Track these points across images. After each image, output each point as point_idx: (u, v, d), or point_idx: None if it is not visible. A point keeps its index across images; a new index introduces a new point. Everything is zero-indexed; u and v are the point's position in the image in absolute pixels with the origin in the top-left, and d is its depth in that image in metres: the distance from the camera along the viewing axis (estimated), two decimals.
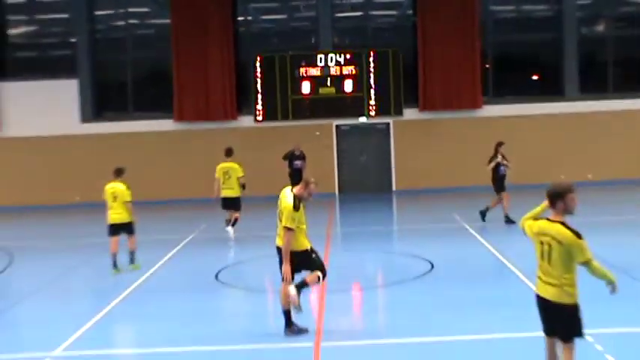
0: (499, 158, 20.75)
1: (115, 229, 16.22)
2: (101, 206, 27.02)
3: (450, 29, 27.58)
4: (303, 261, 10.52)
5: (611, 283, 7.69)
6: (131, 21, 29.68)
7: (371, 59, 27.76)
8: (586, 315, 10.78)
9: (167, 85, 28.41)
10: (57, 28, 30.17)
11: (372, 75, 27.77)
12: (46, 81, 28.51)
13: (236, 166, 20.11)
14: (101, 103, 29.30)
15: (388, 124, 28.35)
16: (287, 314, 10.66)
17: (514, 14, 30.26)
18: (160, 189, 27.99)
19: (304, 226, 10.56)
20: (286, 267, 10.34)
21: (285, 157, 22.03)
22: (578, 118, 28.00)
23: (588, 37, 29.31)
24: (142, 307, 13.09)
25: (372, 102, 27.86)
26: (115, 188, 16.53)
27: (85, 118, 28.57)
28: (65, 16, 29.51)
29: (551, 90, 28.86)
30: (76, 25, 28.82)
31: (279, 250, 10.54)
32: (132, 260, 16.27)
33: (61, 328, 11.51)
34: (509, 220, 19.59)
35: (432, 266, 14.82)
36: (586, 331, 10.11)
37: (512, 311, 11.44)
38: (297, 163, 22.11)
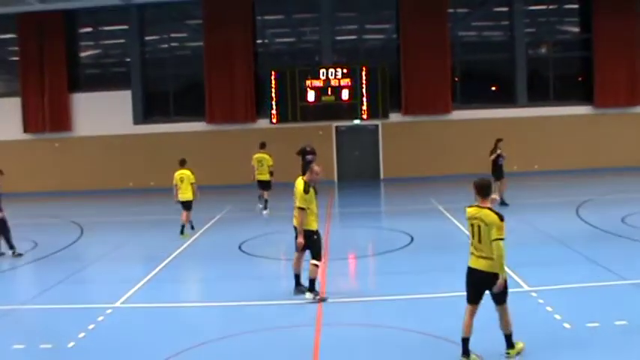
0: (499, 151, 20.14)
1: (184, 205, 16.96)
2: (150, 190, 27.31)
3: (426, 49, 27.50)
4: (308, 241, 10.32)
5: (496, 279, 7.35)
6: (173, 44, 29.64)
7: (363, 73, 27.71)
8: (530, 276, 10.98)
9: (200, 94, 28.39)
10: (115, 51, 30.15)
11: (364, 86, 27.73)
12: (107, 92, 28.51)
13: (267, 156, 20.44)
14: (149, 109, 29.30)
15: (377, 125, 28.33)
16: (297, 277, 10.70)
17: (477, 38, 30.15)
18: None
19: (315, 209, 10.39)
20: (300, 239, 10.27)
21: (298, 153, 21.78)
22: (527, 121, 27.97)
23: (534, 58, 29.23)
24: (180, 270, 13.21)
25: (364, 107, 27.82)
26: (183, 173, 17.20)
27: (137, 121, 28.60)
28: (122, 41, 29.46)
29: (506, 99, 28.80)
30: (130, 48, 28.82)
31: (295, 228, 10.43)
32: (182, 231, 16.87)
33: (119, 286, 11.65)
34: (503, 203, 19.03)
35: (412, 239, 14.91)
36: (531, 288, 10.32)
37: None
38: (309, 157, 21.96)
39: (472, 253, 7.55)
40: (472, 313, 7.55)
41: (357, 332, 8.94)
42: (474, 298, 7.57)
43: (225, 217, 20.06)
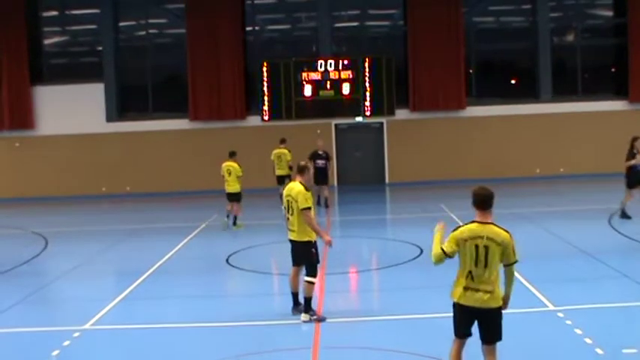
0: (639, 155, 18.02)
1: (230, 196, 18.91)
2: (125, 196, 27.24)
3: (437, 38, 27.52)
4: (305, 253, 10.24)
5: (507, 298, 7.00)
6: (151, 31, 29.59)
7: (366, 65, 27.70)
8: (556, 294, 10.92)
9: (183, 88, 28.36)
10: (85, 38, 30.12)
11: (367, 79, 27.71)
12: (76, 85, 28.46)
13: (286, 151, 22.47)
14: (124, 104, 29.24)
15: (382, 123, 28.31)
16: (295, 296, 10.59)
17: (494, 25, 30.22)
18: (175, 182, 27.99)
19: (313, 215, 10.35)
20: (327, 237, 10.28)
21: (310, 157, 21.44)
22: (551, 118, 27.96)
23: (560, 46, 29.25)
24: (159, 287, 13.12)
25: (367, 103, 27.81)
26: (230, 166, 19.04)
27: (110, 118, 28.53)
28: (93, 27, 29.45)
29: (527, 93, 28.81)
30: (102, 35, 28.77)
31: (292, 242, 10.39)
32: (235, 223, 18.95)
33: (89, 305, 11.56)
34: (624, 215, 17.82)
35: (421, 251, 14.84)
36: (558, 308, 10.25)
37: None
38: (320, 162, 21.52)
39: (467, 287, 6.96)
40: (461, 348, 7.21)
41: (358, 356, 8.86)
42: (466, 332, 7.15)
43: (211, 225, 19.97)
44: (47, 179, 28.32)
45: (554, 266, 13.24)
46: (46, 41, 29.73)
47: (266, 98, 27.86)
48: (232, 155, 19.33)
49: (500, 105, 28.28)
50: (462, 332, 7.10)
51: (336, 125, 28.34)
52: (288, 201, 10.34)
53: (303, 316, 10.18)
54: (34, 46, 28.88)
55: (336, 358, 8.78)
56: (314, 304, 10.41)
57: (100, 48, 28.94)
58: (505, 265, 6.93)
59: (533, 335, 9.28)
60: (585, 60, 28.80)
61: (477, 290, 6.89)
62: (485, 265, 6.87)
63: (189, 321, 10.67)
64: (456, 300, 7.04)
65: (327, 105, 27.78)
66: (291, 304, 10.56)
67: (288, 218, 10.42)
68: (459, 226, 7.12)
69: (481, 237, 6.90)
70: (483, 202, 7.14)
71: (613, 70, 29.60)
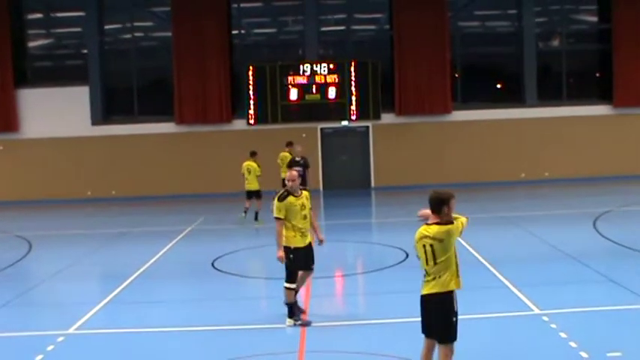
0: None
1: (249, 194, 20.19)
2: (111, 200, 27.16)
3: (422, 42, 27.57)
4: (286, 258, 10.15)
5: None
6: (136, 34, 29.52)
7: (352, 69, 27.72)
8: (541, 298, 10.95)
9: (169, 91, 28.31)
10: (70, 41, 29.98)
11: (353, 83, 27.72)
12: (61, 88, 28.30)
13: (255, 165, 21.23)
14: (109, 107, 29.14)
15: (368, 127, 28.33)
16: (289, 307, 10.33)
17: (480, 29, 30.30)
18: (161, 185, 27.91)
19: (299, 224, 10.18)
20: (279, 253, 10.10)
21: (288, 165, 21.15)
22: (536, 122, 28.05)
23: (545, 51, 29.40)
24: (145, 291, 13.08)
25: (353, 107, 27.81)
26: (250, 165, 20.25)
27: (95, 121, 28.41)
28: (78, 29, 29.34)
29: (513, 97, 28.92)
30: (87, 38, 28.66)
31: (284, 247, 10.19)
32: (256, 218, 19.83)
33: (73, 309, 11.50)
34: None
35: (407, 255, 14.83)
36: (542, 311, 10.28)
37: (478, 294, 11.52)
38: (296, 169, 21.14)
39: (426, 281, 7.17)
40: (432, 348, 7.24)
41: None
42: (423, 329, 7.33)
43: (197, 229, 19.94)
44: (31, 183, 28.15)
45: (539, 270, 13.28)
46: (31, 44, 29.58)
47: (252, 102, 27.83)
48: (253, 155, 20.58)
49: (486, 109, 28.36)
50: (423, 329, 7.30)
51: (321, 129, 28.34)
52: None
53: (288, 321, 10.18)
54: (18, 49, 28.72)
55: None
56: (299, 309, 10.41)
57: (85, 51, 28.84)
58: (461, 233, 7.31)
59: (518, 339, 9.31)
60: (570, 65, 28.93)
61: (432, 280, 7.16)
62: (435, 263, 7.08)
63: (174, 325, 10.63)
64: (421, 293, 7.28)
65: (313, 109, 27.77)
66: (279, 309, 10.55)
67: None
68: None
69: (426, 237, 7.10)
70: (431, 205, 7.24)
71: (597, 75, 29.76)
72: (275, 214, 10.13)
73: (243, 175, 20.36)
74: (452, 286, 7.07)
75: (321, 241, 10.81)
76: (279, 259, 10.16)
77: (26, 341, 10.11)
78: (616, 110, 28.22)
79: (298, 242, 10.20)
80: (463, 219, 7.23)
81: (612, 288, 11.79)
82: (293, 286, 10.19)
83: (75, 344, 9.91)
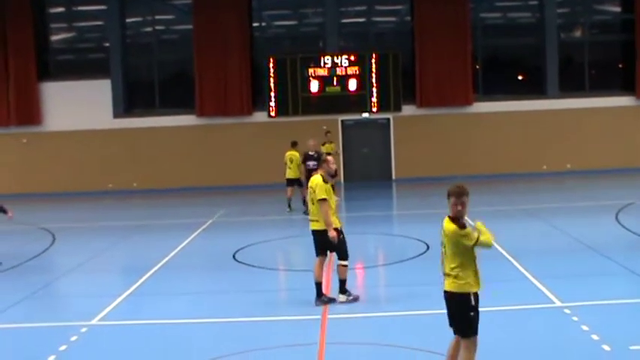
0: None
1: (290, 182, 20.72)
2: (132, 193, 27.30)
3: (444, 33, 27.49)
4: (326, 240, 10.64)
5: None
6: (158, 27, 29.64)
7: (373, 61, 27.68)
8: (563, 291, 10.90)
9: (190, 84, 28.40)
10: (92, 34, 30.16)
11: (373, 75, 27.69)
12: (83, 81, 28.50)
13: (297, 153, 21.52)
14: (131, 100, 29.30)
15: (388, 119, 28.30)
16: (319, 286, 10.80)
17: (501, 21, 30.17)
18: (182, 178, 28.04)
19: (333, 207, 10.80)
20: (332, 233, 10.54)
21: (302, 160, 20.95)
22: (558, 114, 27.89)
23: (567, 42, 29.21)
24: (166, 283, 13.15)
25: (374, 99, 27.80)
26: (292, 154, 20.91)
27: (117, 114, 28.58)
28: (100, 23, 29.51)
29: (535, 89, 28.77)
30: (109, 31, 28.82)
31: (315, 232, 10.80)
32: (304, 203, 19.58)
33: (96, 301, 11.58)
34: None
35: (428, 247, 14.82)
36: (564, 304, 10.23)
37: (500, 286, 11.50)
38: (310, 163, 20.47)
39: (445, 275, 7.21)
40: (459, 340, 7.18)
41: (365, 352, 8.87)
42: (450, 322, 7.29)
43: (217, 221, 20.00)
44: (54, 175, 28.37)
45: (561, 262, 13.23)
46: (53, 37, 29.79)
47: (272, 94, 27.87)
48: (294, 145, 21.21)
49: (507, 101, 28.24)
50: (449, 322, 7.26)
51: (342, 121, 28.33)
52: (310, 193, 10.98)
53: (340, 297, 10.76)
54: (40, 43, 28.94)
55: (343, 354, 8.79)
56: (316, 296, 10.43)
57: (107, 44, 28.98)
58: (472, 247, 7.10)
59: (539, 331, 9.27)
60: (593, 56, 28.74)
61: (446, 276, 7.18)
62: (446, 256, 7.15)
63: (195, 317, 10.69)
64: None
65: (333, 101, 27.77)
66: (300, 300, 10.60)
67: (311, 210, 10.99)
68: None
69: (443, 231, 7.15)
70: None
71: (620, 66, 29.52)
72: (322, 195, 10.58)
73: (286, 163, 20.90)
74: (467, 288, 7.01)
75: None
76: (333, 238, 10.54)
77: (50, 332, 10.21)
78: (639, 101, 27.98)
79: (339, 222, 10.86)
80: (486, 236, 7.14)
81: (635, 281, 11.73)
82: (347, 262, 10.82)
83: (98, 335, 9.99)
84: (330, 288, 11.33)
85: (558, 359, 8.07)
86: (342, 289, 10.82)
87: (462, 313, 7.02)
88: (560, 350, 8.41)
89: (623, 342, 8.55)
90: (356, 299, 10.82)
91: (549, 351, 8.42)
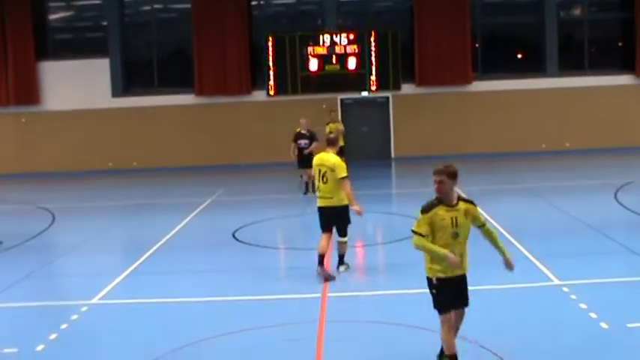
0: None
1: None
2: (131, 172, 27.31)
3: (443, 12, 27.37)
4: (344, 216, 11.16)
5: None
6: (156, 5, 29.45)
7: (372, 39, 27.59)
8: (561, 269, 10.95)
9: (188, 63, 28.31)
10: (90, 13, 30.01)
11: (373, 53, 27.61)
12: (81, 60, 28.38)
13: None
14: (129, 79, 29.21)
15: (387, 97, 28.24)
16: (321, 258, 11.06)
17: None
18: (181, 157, 28.02)
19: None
20: (357, 207, 11.08)
21: (293, 139, 20.48)
22: (558, 93, 27.84)
23: (566, 20, 29.10)
24: (166, 262, 13.17)
25: (373, 78, 27.73)
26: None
27: (116, 94, 28.51)
28: (98, 2, 29.30)
29: (534, 68, 28.67)
30: (107, 10, 28.67)
31: (321, 209, 11.21)
32: (313, 184, 20.76)
33: (97, 280, 11.62)
34: None
35: None
36: (562, 282, 10.28)
37: (499, 265, 11.52)
38: (302, 142, 20.07)
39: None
40: (455, 315, 7.37)
41: (364, 330, 8.92)
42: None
43: (217, 200, 20.02)
44: (53, 155, 28.35)
45: (559, 241, 13.27)
46: (51, 16, 29.62)
47: (271, 73, 27.79)
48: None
49: (507, 80, 28.15)
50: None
51: (341, 100, 28.28)
52: (319, 170, 11.17)
53: (341, 268, 11.38)
54: (38, 22, 28.78)
55: (342, 332, 8.82)
56: (319, 280, 10.48)
57: (105, 23, 28.86)
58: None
59: (539, 310, 9.33)
60: (592, 34, 28.63)
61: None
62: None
63: (196, 295, 10.74)
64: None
65: (332, 79, 27.70)
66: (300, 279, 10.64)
67: (318, 187, 11.30)
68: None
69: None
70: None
71: (620, 44, 29.40)
72: (345, 174, 10.99)
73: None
74: (429, 273, 7.30)
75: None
76: (358, 212, 11.07)
77: (51, 311, 10.26)
78: (639, 80, 27.92)
79: (347, 200, 11.20)
80: (422, 242, 7.25)
81: (633, 259, 11.77)
82: (346, 239, 11.39)
83: (98, 314, 10.03)
84: (329, 269, 11.37)
85: (556, 337, 8.11)
86: (342, 261, 11.47)
87: (429, 291, 7.27)
88: (559, 328, 8.46)
89: (620, 319, 8.60)
90: (334, 278, 11.03)
91: (547, 329, 8.47)
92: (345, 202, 11.07)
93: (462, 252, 7.22)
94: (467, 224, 7.22)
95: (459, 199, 7.27)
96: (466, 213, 7.18)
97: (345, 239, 11.30)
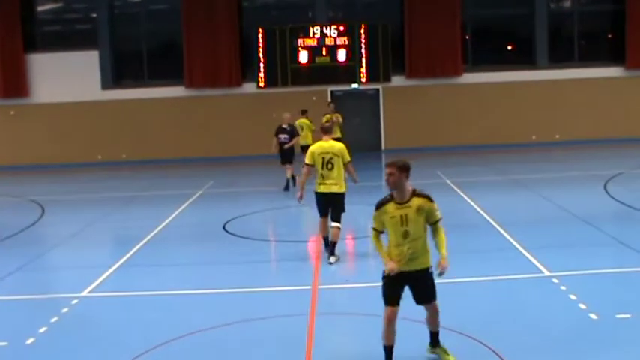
0: None
1: (303, 149, 19.59)
2: (121, 164, 27.25)
3: (433, 4, 27.39)
4: (343, 203, 11.73)
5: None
6: None
7: (362, 31, 27.58)
8: (551, 260, 10.98)
9: (178, 55, 28.24)
10: (79, 5, 29.89)
11: (363, 45, 27.61)
12: (70, 52, 28.29)
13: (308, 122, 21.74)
14: (119, 71, 29.13)
15: (378, 89, 28.26)
16: (326, 240, 11.83)
17: None
18: (171, 149, 27.99)
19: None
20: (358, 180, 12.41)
21: (274, 133, 20.11)
22: (548, 85, 27.91)
23: (557, 12, 29.18)
24: (156, 254, 13.16)
25: (363, 70, 27.74)
26: (302, 122, 21.07)
27: (105, 86, 28.43)
28: None
29: (524, 60, 28.72)
30: (96, 2, 28.54)
31: (323, 195, 11.66)
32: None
33: (87, 272, 11.59)
34: None
35: None
36: (552, 273, 10.32)
37: (489, 256, 11.59)
38: (282, 137, 19.72)
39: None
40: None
41: (354, 322, 8.95)
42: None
43: (207, 193, 20.00)
44: (43, 147, 28.26)
45: (549, 232, 13.30)
46: (40, 8, 29.48)
47: (262, 65, 27.77)
48: (304, 113, 21.67)
49: (497, 72, 28.21)
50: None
51: (332, 92, 28.27)
52: (323, 158, 11.54)
53: (332, 259, 11.52)
54: (27, 13, 28.65)
55: (333, 325, 8.85)
56: (310, 271, 10.42)
57: (95, 15, 28.75)
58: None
59: (528, 300, 9.35)
60: (582, 26, 28.71)
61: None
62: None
63: (186, 288, 10.72)
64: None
65: (322, 71, 27.69)
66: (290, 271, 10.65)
67: (321, 175, 11.63)
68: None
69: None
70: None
71: (610, 36, 29.49)
72: (350, 159, 11.76)
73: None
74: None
75: None
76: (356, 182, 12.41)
77: (41, 304, 10.24)
78: (628, 72, 28.01)
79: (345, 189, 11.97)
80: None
81: (622, 250, 11.81)
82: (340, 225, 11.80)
83: (89, 307, 10.01)
84: (320, 260, 11.37)
85: (546, 328, 8.13)
86: (333, 251, 11.58)
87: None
88: (548, 319, 8.49)
89: (609, 310, 8.64)
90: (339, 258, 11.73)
91: (537, 320, 8.50)
92: (345, 189, 11.67)
93: (416, 249, 7.07)
94: (419, 221, 7.05)
95: (414, 194, 7.10)
96: (418, 209, 7.02)
97: (339, 225, 11.63)
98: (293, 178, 19.52)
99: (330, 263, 11.43)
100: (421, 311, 7.42)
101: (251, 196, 19.38)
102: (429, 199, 7.12)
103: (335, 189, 11.54)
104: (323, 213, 11.76)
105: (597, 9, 29.39)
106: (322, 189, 11.61)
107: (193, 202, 18.49)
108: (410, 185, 7.14)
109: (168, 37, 29.48)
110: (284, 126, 19.93)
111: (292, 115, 20.56)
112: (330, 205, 11.65)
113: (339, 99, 28.24)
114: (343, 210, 11.72)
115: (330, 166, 11.49)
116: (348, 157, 11.66)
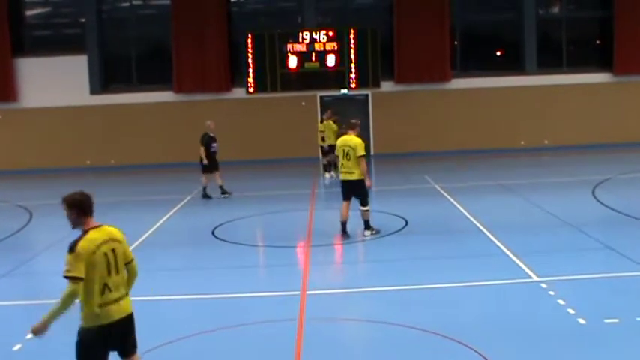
0: None
1: (332, 148, 20.65)
2: (110, 169, 27.17)
3: (422, 10, 27.46)
4: (363, 188, 13.34)
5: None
6: (135, 2, 29.30)
7: (351, 37, 27.62)
8: (540, 265, 11.03)
9: (167, 60, 28.19)
10: (68, 9, 29.81)
11: (352, 51, 27.64)
12: (59, 57, 28.19)
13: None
14: (108, 76, 29.05)
15: (367, 95, 28.29)
16: (344, 225, 13.66)
17: None
18: (160, 154, 27.92)
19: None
20: (369, 182, 13.50)
21: (205, 143, 19.73)
22: (536, 90, 28.00)
23: (545, 18, 29.30)
24: (145, 259, 12.98)
25: (353, 75, 27.77)
26: (332, 125, 21.91)
27: (94, 91, 28.34)
28: None
29: (513, 65, 28.82)
30: (85, 6, 28.46)
31: (349, 182, 13.46)
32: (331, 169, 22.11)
33: None
34: None
35: (406, 223, 14.91)
36: (541, 278, 10.36)
37: (477, 261, 11.62)
38: (214, 145, 19.70)
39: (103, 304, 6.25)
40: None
41: (343, 327, 8.96)
42: None
43: (196, 198, 19.95)
44: (31, 152, 28.15)
45: (537, 238, 13.34)
46: (28, 12, 29.41)
47: (251, 70, 27.75)
48: (333, 116, 22.63)
49: (485, 77, 28.29)
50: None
51: (321, 97, 28.29)
52: (344, 150, 13.41)
53: (366, 232, 13.70)
54: (15, 17, 28.55)
55: (322, 330, 8.83)
56: (298, 278, 10.43)
57: (83, 19, 28.69)
58: (127, 264, 6.56)
59: (517, 305, 9.39)
60: (571, 32, 28.84)
61: (117, 300, 6.44)
62: (118, 271, 6.46)
63: (175, 293, 10.71)
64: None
65: (312, 77, 27.70)
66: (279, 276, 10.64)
67: (342, 164, 13.52)
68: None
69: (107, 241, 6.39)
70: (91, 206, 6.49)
71: (598, 42, 29.65)
72: (363, 153, 13.30)
73: (323, 131, 22.46)
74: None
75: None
76: (369, 186, 13.53)
77: (28, 309, 10.16)
78: (616, 78, 28.15)
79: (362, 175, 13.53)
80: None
81: (610, 255, 11.86)
82: (369, 207, 13.70)
83: (77, 313, 9.95)
84: (309, 266, 11.35)
85: (534, 333, 8.16)
86: (367, 226, 13.67)
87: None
88: (536, 324, 8.52)
89: (597, 315, 8.68)
90: (378, 231, 13.79)
91: (525, 325, 8.53)
92: (363, 176, 13.25)
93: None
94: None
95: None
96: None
97: (366, 208, 13.55)
98: (221, 187, 19.65)
99: (365, 236, 13.58)
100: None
101: (240, 201, 19.34)
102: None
103: (350, 177, 13.41)
104: (344, 197, 13.63)
105: (586, 15, 29.57)
106: (342, 177, 13.67)
107: (182, 207, 18.46)
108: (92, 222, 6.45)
109: (157, 42, 29.45)
110: (212, 135, 19.79)
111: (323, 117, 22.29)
112: (351, 191, 13.50)
113: (328, 105, 28.29)
114: (363, 195, 13.41)
115: (348, 157, 13.36)
116: (360, 152, 13.24)
